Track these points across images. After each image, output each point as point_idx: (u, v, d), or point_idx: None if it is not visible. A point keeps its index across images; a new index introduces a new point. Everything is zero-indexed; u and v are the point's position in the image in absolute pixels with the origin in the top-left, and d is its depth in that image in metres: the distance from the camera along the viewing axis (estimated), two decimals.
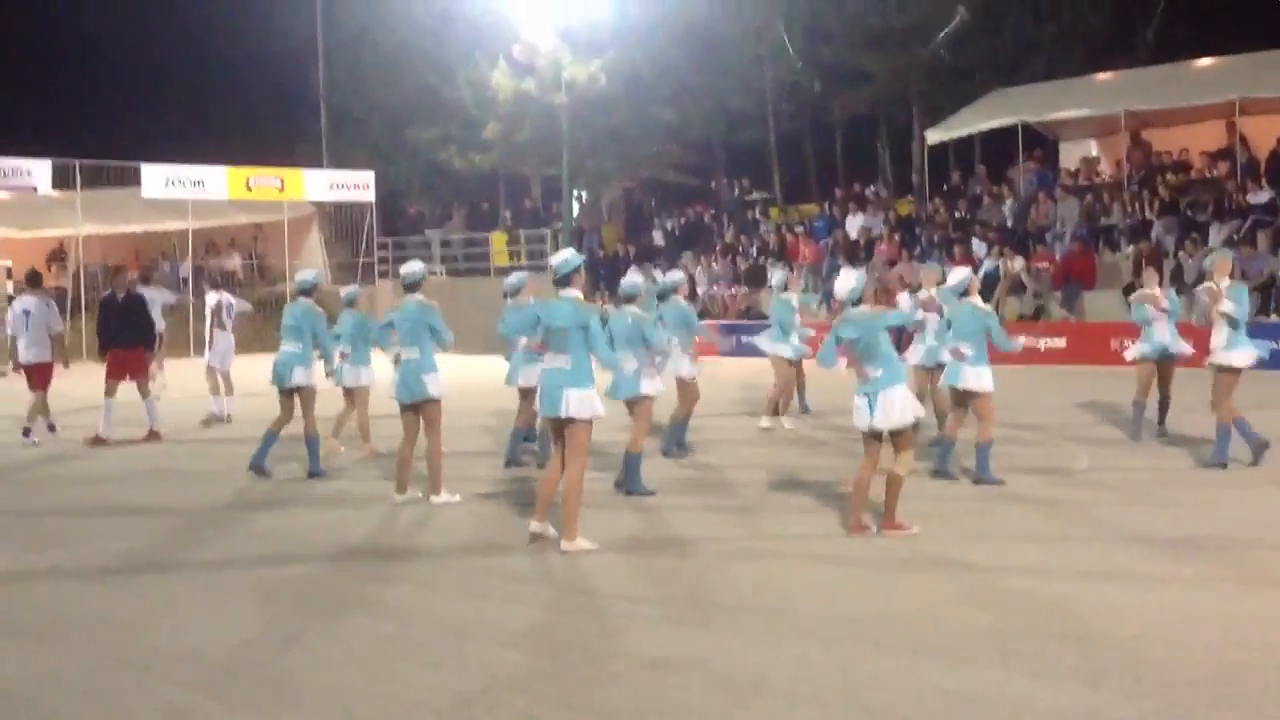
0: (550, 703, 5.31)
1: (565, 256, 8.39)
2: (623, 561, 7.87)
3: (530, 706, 5.26)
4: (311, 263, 30.29)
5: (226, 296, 16.37)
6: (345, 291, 12.96)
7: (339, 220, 34.91)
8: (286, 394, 11.31)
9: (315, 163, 36.04)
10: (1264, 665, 5.52)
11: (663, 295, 12.08)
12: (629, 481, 10.05)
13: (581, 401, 8.02)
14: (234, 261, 34.59)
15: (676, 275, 12.72)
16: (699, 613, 6.66)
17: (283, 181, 32.05)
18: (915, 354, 11.93)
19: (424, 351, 9.80)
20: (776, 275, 15.99)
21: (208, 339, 16.18)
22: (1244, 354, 10.59)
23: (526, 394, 11.31)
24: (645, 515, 9.24)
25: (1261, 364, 11.67)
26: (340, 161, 36.00)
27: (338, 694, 5.49)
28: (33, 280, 15.75)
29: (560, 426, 8.17)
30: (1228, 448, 10.65)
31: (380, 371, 12.12)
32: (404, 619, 6.68)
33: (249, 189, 31.38)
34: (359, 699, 5.42)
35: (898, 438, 8.37)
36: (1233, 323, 10.58)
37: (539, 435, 11.35)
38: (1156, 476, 10.51)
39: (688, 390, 12.05)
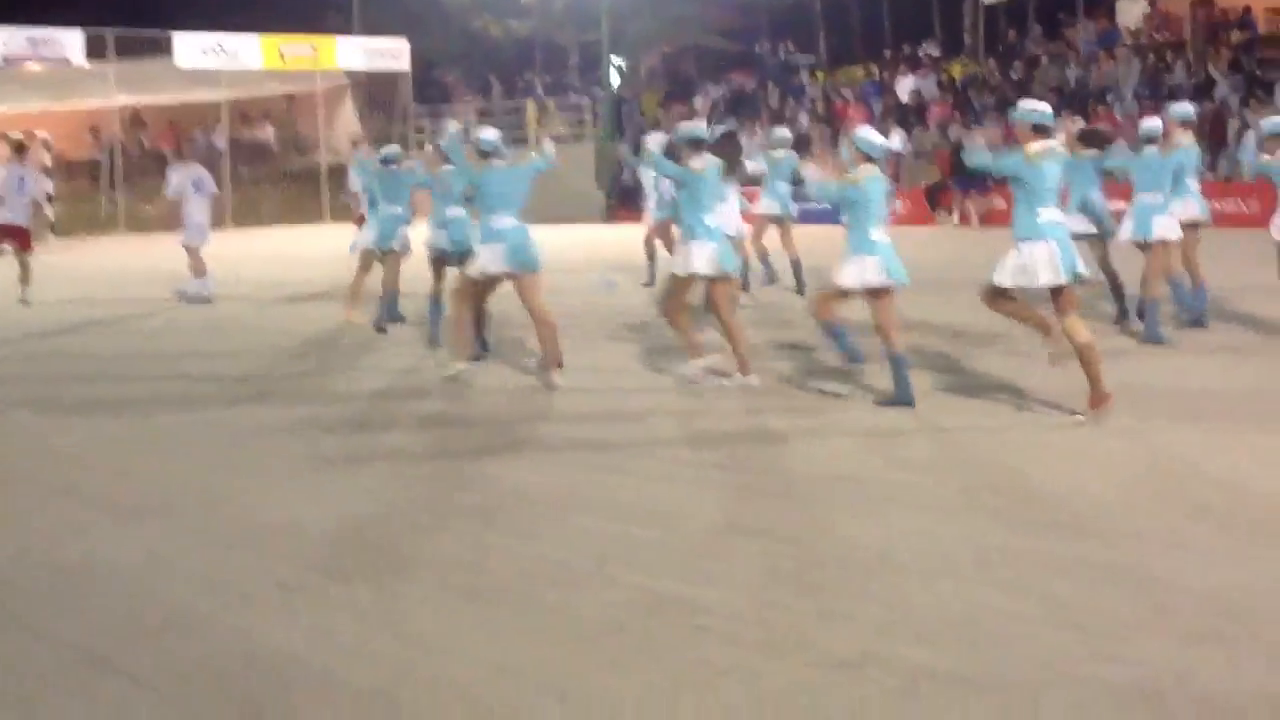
0: (668, 575, 5.10)
1: (696, 125, 9.45)
2: (699, 439, 7.66)
3: (645, 579, 5.05)
4: (347, 134, 29.76)
5: (198, 170, 15.55)
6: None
7: (372, 90, 34.24)
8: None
9: (345, 31, 35.22)
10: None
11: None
12: None
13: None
14: (268, 133, 34.08)
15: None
16: (778, 483, 6.47)
17: (316, 49, 31.36)
18: None
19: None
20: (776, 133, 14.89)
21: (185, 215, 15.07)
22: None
23: None
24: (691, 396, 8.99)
25: None
26: (370, 30, 35.15)
27: (441, 564, 5.31)
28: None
29: None
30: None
31: None
32: (487, 490, 6.49)
33: (282, 58, 30.74)
34: (465, 570, 5.24)
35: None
36: None
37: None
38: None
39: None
